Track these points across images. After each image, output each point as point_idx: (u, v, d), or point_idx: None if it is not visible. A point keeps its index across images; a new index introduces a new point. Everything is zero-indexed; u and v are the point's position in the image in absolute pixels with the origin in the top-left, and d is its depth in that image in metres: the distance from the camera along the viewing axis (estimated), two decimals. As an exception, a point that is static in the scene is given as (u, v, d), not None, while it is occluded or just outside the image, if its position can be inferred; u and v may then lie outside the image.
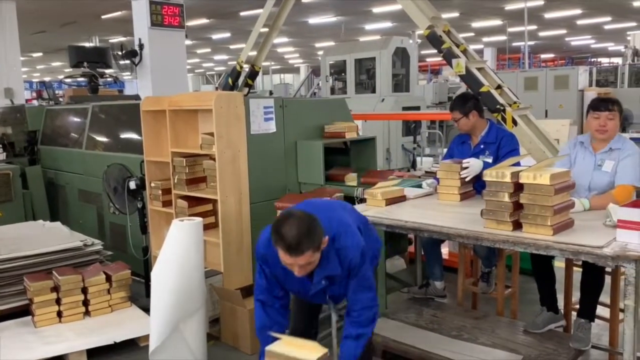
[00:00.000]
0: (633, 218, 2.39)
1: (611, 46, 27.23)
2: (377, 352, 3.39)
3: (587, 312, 3.17)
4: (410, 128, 9.63)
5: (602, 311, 3.46)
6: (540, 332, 3.25)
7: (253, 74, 7.61)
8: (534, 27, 18.90)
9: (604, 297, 3.36)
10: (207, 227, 3.90)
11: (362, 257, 2.37)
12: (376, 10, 15.27)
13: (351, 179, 4.33)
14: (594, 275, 3.13)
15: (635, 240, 2.37)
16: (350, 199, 4.04)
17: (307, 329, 2.75)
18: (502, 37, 20.04)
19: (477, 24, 18.23)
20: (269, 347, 2.28)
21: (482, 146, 3.68)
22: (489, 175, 2.66)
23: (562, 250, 2.44)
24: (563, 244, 2.43)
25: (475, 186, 3.53)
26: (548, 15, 16.83)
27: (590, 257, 2.37)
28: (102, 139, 5.72)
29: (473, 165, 3.43)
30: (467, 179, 3.43)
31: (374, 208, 3.35)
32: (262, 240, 2.45)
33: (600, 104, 3.17)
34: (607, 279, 3.27)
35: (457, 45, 5.31)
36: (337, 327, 3.21)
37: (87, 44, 13.09)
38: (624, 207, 2.49)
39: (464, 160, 3.46)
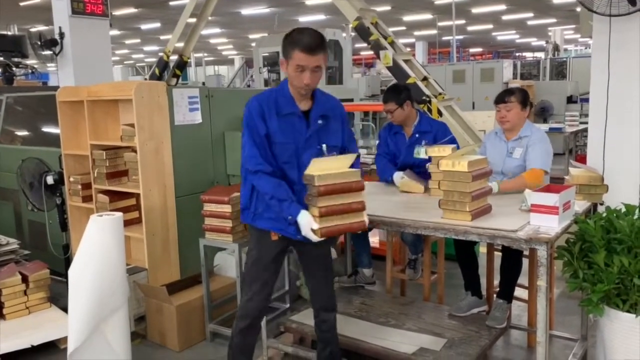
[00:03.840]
0: (545, 202, 2.50)
1: (534, 41, 28.53)
2: (306, 343, 3.40)
3: (505, 293, 3.31)
4: (344, 120, 9.70)
5: (523, 294, 3.62)
6: (464, 315, 3.36)
7: (181, 65, 7.43)
8: (462, 21, 19.51)
9: (524, 279, 3.52)
10: (130, 223, 3.77)
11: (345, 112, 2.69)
12: (309, 2, 15.27)
13: None
14: (511, 258, 3.28)
15: (547, 223, 2.47)
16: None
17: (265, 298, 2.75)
18: (433, 32, 20.55)
19: (408, 18, 18.61)
20: (318, 173, 2.34)
21: (417, 136, 3.73)
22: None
23: (480, 235, 2.51)
24: (480, 228, 2.50)
25: None
26: (475, 10, 17.41)
27: (505, 241, 2.45)
28: (18, 132, 5.39)
29: None
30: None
31: (301, 198, 3.33)
32: (255, 98, 2.57)
33: (498, 97, 3.39)
34: (526, 263, 3.42)
35: (385, 38, 5.39)
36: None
37: (4, 33, 12.33)
38: (537, 192, 2.60)
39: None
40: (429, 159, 3.54)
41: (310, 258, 2.77)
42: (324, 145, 2.57)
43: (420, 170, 3.49)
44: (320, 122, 2.55)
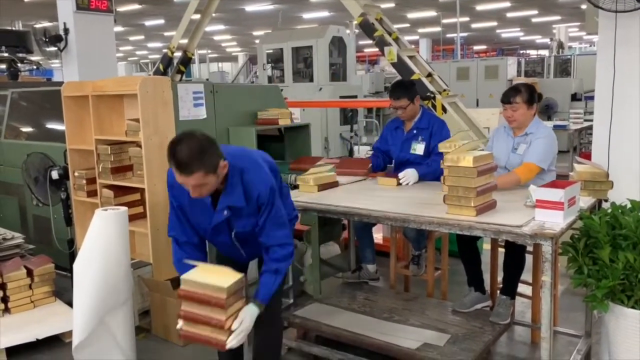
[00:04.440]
0: (550, 198, 2.49)
1: (538, 39, 28.44)
2: (309, 337, 3.41)
3: (509, 289, 3.32)
4: (348, 117, 9.71)
5: (526, 290, 3.62)
6: (468, 311, 3.36)
7: (185, 61, 7.44)
8: (466, 18, 19.45)
9: (528, 276, 3.52)
10: (135, 217, 3.77)
11: (272, 193, 2.36)
12: (313, -1, 15.26)
13: None
14: (515, 254, 3.28)
15: (552, 219, 2.47)
16: (284, 186, 4.02)
17: None
18: (437, 29, 20.50)
19: (412, 15, 18.56)
20: (184, 275, 2.27)
21: (414, 131, 3.75)
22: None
23: (484, 230, 2.50)
24: (485, 224, 2.50)
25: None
26: (479, 7, 17.35)
27: (510, 236, 2.45)
28: (23, 127, 5.41)
29: (409, 176, 3.49)
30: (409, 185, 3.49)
31: (306, 194, 3.34)
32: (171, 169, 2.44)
33: (505, 97, 3.37)
34: (529, 259, 3.42)
35: (390, 34, 5.38)
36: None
37: (9, 28, 12.32)
38: (542, 187, 2.60)
39: (400, 175, 3.51)
40: (424, 156, 3.65)
41: None
42: (232, 233, 2.46)
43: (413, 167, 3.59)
44: (226, 212, 2.37)
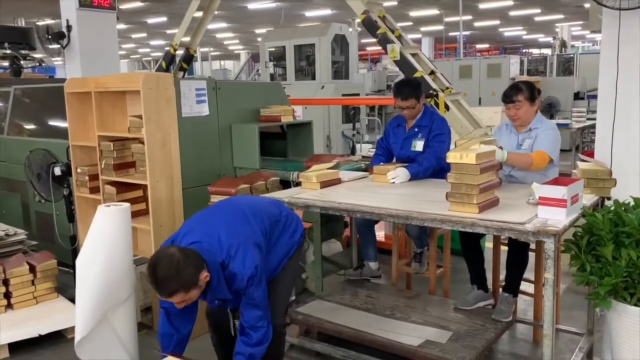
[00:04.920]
0: (553, 195, 2.49)
1: (541, 37, 28.39)
2: (312, 334, 3.41)
3: (511, 287, 3.32)
4: (350, 115, 9.71)
5: (528, 288, 3.62)
6: (470, 309, 3.36)
7: (188, 58, 7.44)
8: (469, 17, 19.43)
9: (530, 274, 3.52)
10: (137, 214, 3.77)
11: (249, 281, 2.40)
12: (315, -4, 15.24)
13: None
14: (518, 252, 3.28)
15: (555, 216, 2.47)
16: (286, 183, 4.02)
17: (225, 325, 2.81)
18: (440, 27, 20.47)
19: (415, 13, 18.53)
20: None
21: (415, 129, 3.76)
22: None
23: (487, 227, 2.50)
24: (488, 221, 2.49)
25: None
26: (482, 5, 17.32)
27: (513, 233, 2.45)
28: (25, 123, 5.42)
29: (400, 175, 3.49)
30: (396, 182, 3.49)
31: (308, 191, 3.34)
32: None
33: (506, 97, 3.37)
34: (532, 257, 3.42)
35: (392, 31, 5.37)
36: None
37: (13, 25, 12.33)
38: (545, 184, 2.59)
39: (389, 174, 3.51)
40: (423, 153, 3.65)
41: None
42: (228, 309, 2.70)
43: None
44: (217, 302, 2.53)
